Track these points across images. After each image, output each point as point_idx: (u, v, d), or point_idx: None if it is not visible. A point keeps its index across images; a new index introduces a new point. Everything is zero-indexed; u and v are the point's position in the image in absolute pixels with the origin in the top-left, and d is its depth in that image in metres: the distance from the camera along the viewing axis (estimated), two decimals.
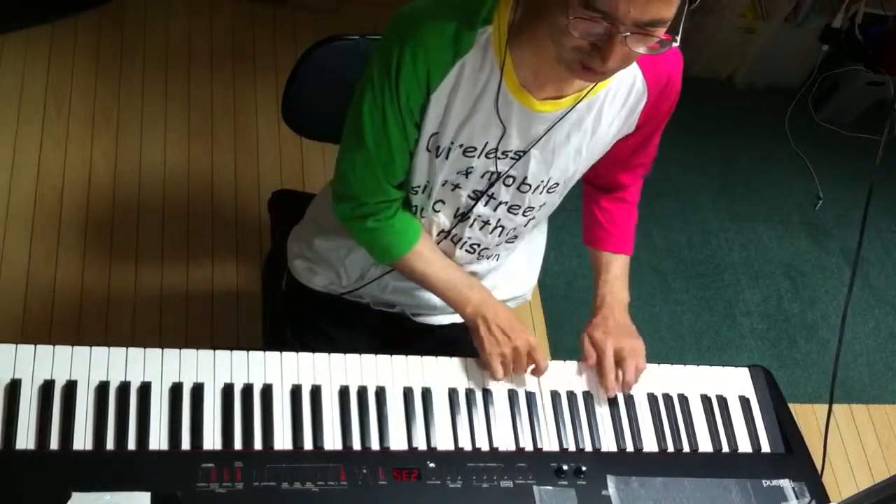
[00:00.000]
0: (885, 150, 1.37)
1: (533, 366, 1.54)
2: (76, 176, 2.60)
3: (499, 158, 1.43)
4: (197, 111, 2.82)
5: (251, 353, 1.46)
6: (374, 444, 1.42)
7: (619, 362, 1.56)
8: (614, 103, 1.42)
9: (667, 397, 1.59)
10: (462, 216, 1.53)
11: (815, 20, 3.28)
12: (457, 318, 1.75)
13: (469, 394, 1.51)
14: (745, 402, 1.63)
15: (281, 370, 1.46)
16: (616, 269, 1.66)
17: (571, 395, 1.55)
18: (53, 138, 2.65)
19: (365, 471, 1.37)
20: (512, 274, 1.75)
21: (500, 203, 1.50)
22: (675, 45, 1.20)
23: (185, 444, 1.34)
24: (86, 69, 2.80)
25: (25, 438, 1.29)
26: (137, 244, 2.53)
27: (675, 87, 1.46)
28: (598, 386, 1.57)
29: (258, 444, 1.37)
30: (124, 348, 1.40)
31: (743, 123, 3.41)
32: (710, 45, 3.30)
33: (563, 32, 1.19)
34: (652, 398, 1.59)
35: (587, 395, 1.55)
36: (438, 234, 1.58)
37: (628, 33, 1.15)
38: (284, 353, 1.48)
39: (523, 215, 1.54)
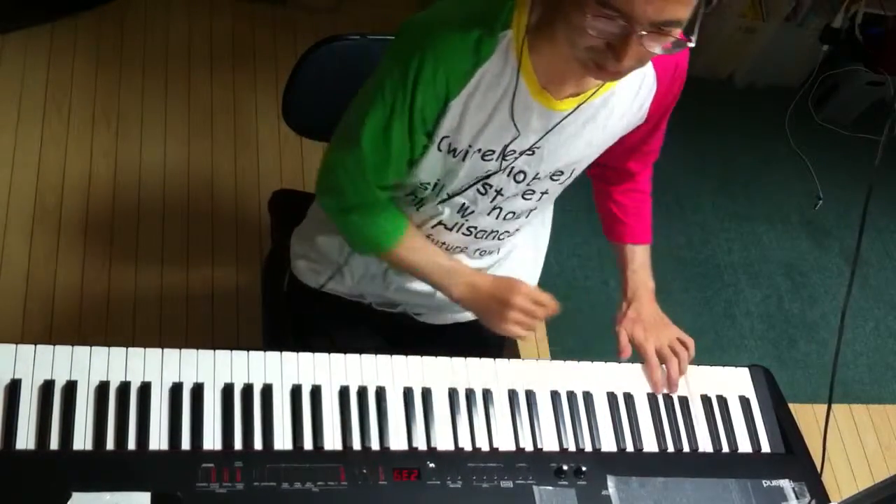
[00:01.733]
0: (885, 150, 1.36)
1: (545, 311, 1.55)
2: (76, 176, 2.60)
3: (516, 157, 1.42)
4: (197, 111, 2.82)
5: (251, 353, 1.46)
6: (374, 444, 1.42)
7: (662, 360, 1.60)
8: (625, 96, 1.42)
9: (667, 397, 1.59)
10: (465, 209, 1.53)
11: (815, 20, 3.28)
12: (459, 318, 1.75)
13: (469, 394, 1.51)
14: (745, 402, 1.63)
15: (281, 370, 1.46)
16: (639, 259, 1.69)
17: (571, 395, 1.55)
18: (53, 138, 2.65)
19: (365, 471, 1.37)
20: (513, 270, 1.75)
21: (507, 197, 1.50)
22: (691, 45, 1.20)
23: (185, 444, 1.34)
24: (86, 69, 2.80)
25: (25, 438, 1.29)
26: (137, 244, 2.53)
27: (682, 74, 1.47)
28: (648, 382, 1.60)
29: (258, 444, 1.37)
30: (124, 348, 1.40)
31: (743, 123, 3.41)
32: (710, 45, 3.30)
33: (578, 32, 1.18)
34: (652, 398, 1.59)
35: (587, 395, 1.55)
36: (435, 225, 1.57)
37: (644, 33, 1.15)
38: (284, 353, 1.48)
39: (523, 198, 1.53)
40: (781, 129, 3.41)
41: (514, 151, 1.41)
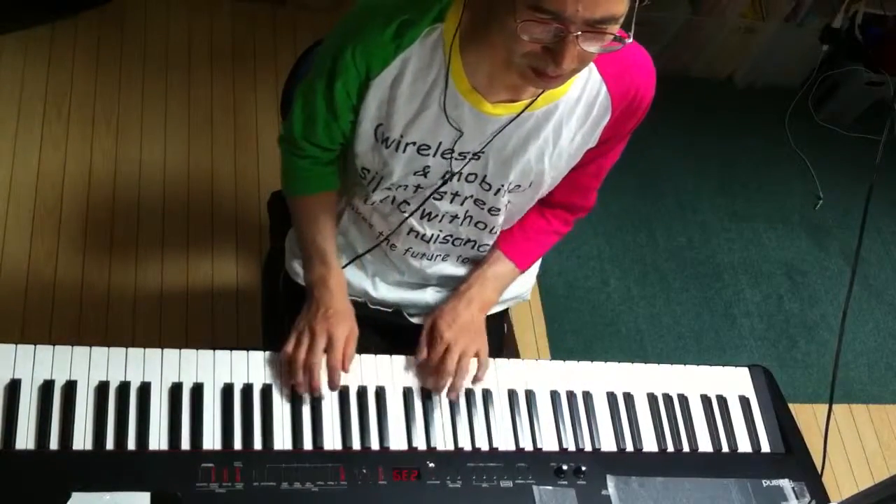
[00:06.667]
0: (885, 150, 1.37)
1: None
2: (76, 176, 2.60)
3: (455, 159, 1.42)
4: (197, 111, 2.82)
5: (251, 353, 1.46)
6: (374, 444, 1.42)
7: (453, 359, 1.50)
8: (576, 115, 1.39)
9: (667, 397, 1.59)
10: (429, 215, 1.53)
11: (815, 20, 3.28)
12: None
13: (469, 394, 1.51)
14: (745, 402, 1.63)
15: (281, 370, 1.46)
16: (498, 269, 1.61)
17: (571, 395, 1.55)
18: (53, 138, 2.65)
19: (365, 471, 1.37)
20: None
21: (466, 198, 1.50)
22: (629, 41, 1.17)
23: (185, 444, 1.34)
24: (86, 69, 2.80)
25: (25, 438, 1.30)
26: (137, 244, 2.53)
27: (643, 104, 1.42)
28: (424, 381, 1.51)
29: (258, 444, 1.37)
30: (124, 348, 1.40)
31: (743, 123, 3.41)
32: (710, 45, 3.30)
33: (512, 38, 1.16)
34: (652, 398, 1.59)
35: (587, 395, 1.55)
36: (409, 234, 1.57)
37: (579, 33, 1.13)
38: None
39: (490, 213, 1.53)
40: (781, 129, 3.41)
41: (452, 151, 1.41)
